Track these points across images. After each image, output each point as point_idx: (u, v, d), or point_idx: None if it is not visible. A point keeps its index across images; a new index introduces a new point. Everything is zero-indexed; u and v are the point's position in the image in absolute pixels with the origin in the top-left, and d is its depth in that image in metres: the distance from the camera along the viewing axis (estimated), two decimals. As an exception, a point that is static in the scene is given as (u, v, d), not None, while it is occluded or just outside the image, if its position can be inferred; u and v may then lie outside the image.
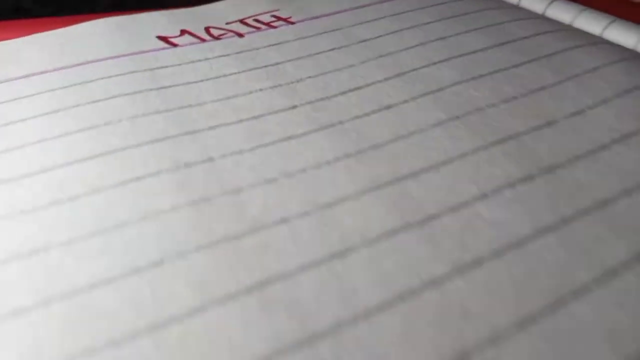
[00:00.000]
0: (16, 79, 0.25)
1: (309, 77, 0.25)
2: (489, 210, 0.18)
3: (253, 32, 0.29)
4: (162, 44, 0.28)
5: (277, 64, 0.26)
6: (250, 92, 0.24)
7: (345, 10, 0.32)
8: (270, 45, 0.28)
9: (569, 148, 0.21)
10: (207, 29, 0.29)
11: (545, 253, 0.17)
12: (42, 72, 0.25)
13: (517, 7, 0.33)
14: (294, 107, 0.23)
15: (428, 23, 0.30)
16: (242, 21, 0.30)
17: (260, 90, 0.24)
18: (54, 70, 0.25)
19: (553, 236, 0.17)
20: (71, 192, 0.19)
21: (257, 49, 0.27)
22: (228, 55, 0.27)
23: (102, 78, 0.25)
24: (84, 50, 0.27)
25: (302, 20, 0.30)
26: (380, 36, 0.29)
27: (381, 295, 0.15)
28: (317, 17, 0.31)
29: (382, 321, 0.14)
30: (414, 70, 0.26)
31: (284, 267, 0.16)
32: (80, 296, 0.15)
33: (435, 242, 0.17)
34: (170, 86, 0.24)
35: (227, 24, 0.30)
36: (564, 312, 0.15)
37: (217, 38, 0.29)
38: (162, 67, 0.26)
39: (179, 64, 0.26)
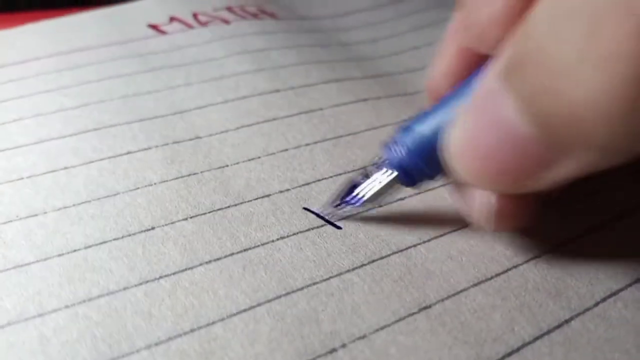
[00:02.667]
0: (12, 64, 0.26)
1: (292, 64, 0.27)
2: (451, 195, 0.20)
3: (239, 20, 0.31)
4: (152, 32, 0.29)
5: (262, 50, 0.28)
6: (236, 75, 0.26)
7: (326, 17, 0.34)
8: (255, 34, 0.29)
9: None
10: (194, 15, 0.31)
11: (502, 229, 0.18)
12: (37, 58, 0.26)
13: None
14: (277, 90, 0.25)
15: (403, 33, 0.32)
16: (228, 9, 0.32)
17: (245, 73, 0.26)
18: (49, 56, 0.27)
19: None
20: (66, 162, 0.20)
21: (243, 35, 0.29)
22: (215, 40, 0.28)
23: (94, 63, 0.26)
24: (77, 39, 0.28)
25: (286, 18, 0.32)
26: (359, 42, 0.31)
27: (353, 259, 0.17)
28: (299, 18, 0.33)
29: (353, 279, 0.16)
30: (388, 74, 0.28)
31: (265, 235, 0.17)
32: (77, 254, 0.16)
33: (403, 219, 0.18)
34: (159, 69, 0.26)
35: (214, 10, 0.31)
36: (515, 274, 0.17)
37: (204, 24, 0.30)
38: (152, 53, 0.27)
39: (168, 50, 0.27)
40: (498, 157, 0.13)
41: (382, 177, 0.17)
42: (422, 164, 0.17)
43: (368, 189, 0.18)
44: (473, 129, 0.14)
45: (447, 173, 0.16)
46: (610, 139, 0.11)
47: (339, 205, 0.18)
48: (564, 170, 0.13)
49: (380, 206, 0.19)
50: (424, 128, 0.16)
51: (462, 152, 0.14)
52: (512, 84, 0.13)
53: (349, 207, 0.18)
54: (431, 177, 0.17)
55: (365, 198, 0.18)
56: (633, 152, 0.12)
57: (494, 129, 0.13)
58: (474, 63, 0.16)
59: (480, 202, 0.16)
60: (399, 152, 0.17)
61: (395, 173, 0.17)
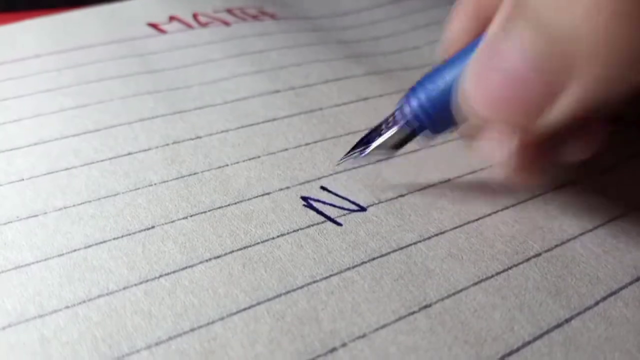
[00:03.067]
0: (11, 61, 0.26)
1: (292, 65, 0.27)
2: (452, 192, 0.20)
3: (239, 22, 0.31)
4: (152, 30, 0.29)
5: (262, 51, 0.28)
6: (236, 76, 0.26)
7: (326, 16, 0.33)
8: (255, 35, 0.29)
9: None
10: (195, 16, 0.31)
11: (501, 227, 0.18)
12: (36, 56, 0.26)
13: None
14: (277, 91, 0.25)
15: (404, 32, 0.32)
16: (228, 10, 0.32)
17: (245, 74, 0.26)
18: (48, 54, 0.27)
19: (509, 213, 0.19)
20: (67, 163, 0.20)
21: (243, 37, 0.29)
22: (215, 42, 0.28)
23: (94, 62, 0.26)
24: (77, 37, 0.28)
25: (286, 18, 0.32)
26: (360, 41, 0.31)
27: (353, 256, 0.17)
28: (300, 18, 0.33)
29: (353, 277, 0.16)
30: (389, 71, 0.28)
31: (265, 232, 0.17)
32: (77, 253, 0.16)
33: (403, 216, 0.18)
34: (159, 70, 0.26)
35: (214, 11, 0.31)
36: (516, 272, 0.17)
37: (204, 25, 0.30)
38: (152, 53, 0.27)
39: (168, 50, 0.27)
40: (506, 93, 0.14)
41: (400, 128, 0.18)
42: (439, 115, 0.17)
43: (385, 138, 0.18)
44: (483, 71, 0.15)
45: (462, 120, 0.17)
46: (597, 60, 0.12)
47: (356, 152, 0.19)
48: (566, 102, 0.13)
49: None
50: (440, 81, 0.17)
51: (474, 94, 0.15)
52: (514, 24, 0.14)
53: (362, 155, 0.19)
54: (445, 127, 0.18)
55: (374, 146, 0.18)
56: (624, 79, 0.13)
57: (502, 68, 0.14)
58: (488, 22, 0.17)
59: (500, 149, 0.17)
60: (417, 103, 0.17)
61: (412, 123, 0.18)
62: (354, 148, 0.19)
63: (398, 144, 0.18)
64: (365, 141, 0.19)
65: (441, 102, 0.17)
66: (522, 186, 0.19)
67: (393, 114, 0.18)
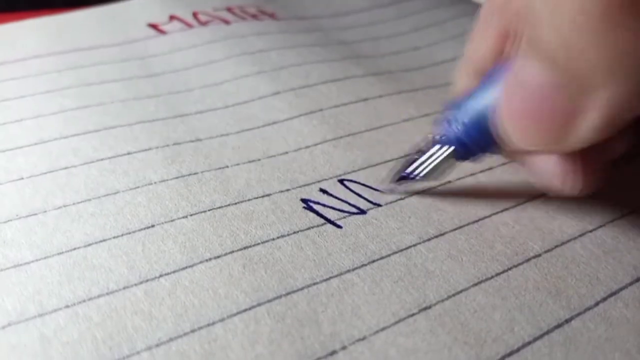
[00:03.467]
0: (12, 62, 0.26)
1: (292, 65, 0.27)
2: (451, 194, 0.20)
3: (239, 20, 0.31)
4: (152, 32, 0.29)
5: (262, 51, 0.28)
6: (237, 78, 0.26)
7: (326, 17, 0.34)
8: (255, 34, 0.29)
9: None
10: (194, 14, 0.31)
11: (501, 228, 0.18)
12: (37, 57, 0.26)
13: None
14: (277, 92, 0.25)
15: (404, 33, 0.32)
16: (228, 9, 0.32)
17: (246, 76, 0.26)
18: (49, 55, 0.27)
19: (508, 215, 0.19)
20: (66, 162, 0.20)
21: (243, 36, 0.29)
22: (215, 41, 0.28)
23: (95, 64, 0.26)
24: (78, 38, 0.28)
25: (286, 18, 0.32)
26: (359, 41, 0.31)
27: (353, 259, 0.17)
28: (299, 18, 0.33)
29: (353, 280, 0.16)
30: (389, 72, 0.28)
31: (265, 233, 0.17)
32: (76, 252, 0.16)
33: (403, 218, 0.18)
34: (160, 73, 0.26)
35: (214, 10, 0.31)
36: (516, 273, 0.17)
37: (204, 24, 0.30)
38: (152, 56, 0.27)
39: (169, 52, 0.27)
40: (536, 115, 0.15)
41: (438, 153, 0.18)
42: (478, 138, 0.17)
43: (425, 164, 0.19)
44: (512, 97, 0.15)
45: (500, 144, 0.17)
46: (609, 79, 0.13)
47: (398, 181, 0.19)
48: (594, 115, 0.14)
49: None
50: (475, 104, 0.17)
51: (507, 119, 0.16)
52: (532, 47, 0.14)
53: (408, 183, 0.19)
54: (485, 150, 0.18)
55: (423, 173, 0.19)
56: None
57: (528, 91, 0.15)
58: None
59: (544, 168, 0.17)
60: (455, 127, 0.18)
61: (452, 148, 0.18)
62: (399, 174, 0.19)
63: (439, 170, 0.19)
64: (407, 168, 0.19)
65: (482, 127, 0.17)
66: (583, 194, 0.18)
67: (432, 139, 0.19)
